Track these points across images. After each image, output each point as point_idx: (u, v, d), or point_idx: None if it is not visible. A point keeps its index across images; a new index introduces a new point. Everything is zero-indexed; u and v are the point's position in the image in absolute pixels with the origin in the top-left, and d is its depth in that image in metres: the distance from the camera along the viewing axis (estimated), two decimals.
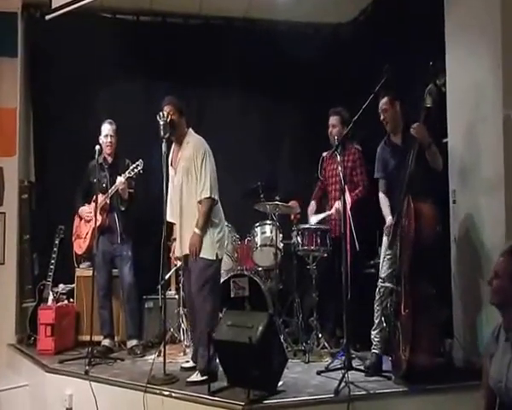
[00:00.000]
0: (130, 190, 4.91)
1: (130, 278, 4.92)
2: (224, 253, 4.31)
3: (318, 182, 5.23)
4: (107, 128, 4.98)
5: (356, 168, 4.90)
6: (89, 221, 4.96)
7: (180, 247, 4.09)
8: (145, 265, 5.11)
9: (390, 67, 3.85)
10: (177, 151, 4.16)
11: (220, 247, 4.05)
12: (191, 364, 4.15)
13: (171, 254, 4.56)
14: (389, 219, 4.13)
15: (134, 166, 4.83)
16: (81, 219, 5.08)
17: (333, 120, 4.99)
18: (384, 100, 4.12)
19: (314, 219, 4.98)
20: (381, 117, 4.18)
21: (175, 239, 4.22)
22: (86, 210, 5.00)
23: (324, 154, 5.12)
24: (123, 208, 4.94)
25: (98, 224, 4.80)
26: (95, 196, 4.74)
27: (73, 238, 5.14)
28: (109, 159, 5.03)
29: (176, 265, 5.04)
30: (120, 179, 4.82)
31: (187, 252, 4.02)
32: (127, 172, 4.82)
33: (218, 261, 4.07)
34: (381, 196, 4.26)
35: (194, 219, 3.98)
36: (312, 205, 5.17)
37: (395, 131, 4.20)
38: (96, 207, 4.70)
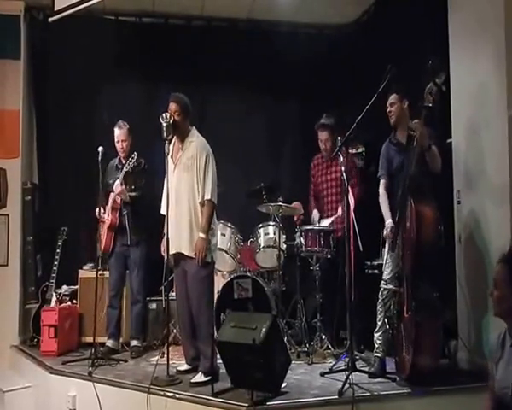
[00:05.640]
0: (132, 194, 4.88)
1: (139, 282, 4.95)
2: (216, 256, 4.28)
3: (310, 190, 5.24)
4: (116, 133, 5.01)
5: (351, 171, 4.89)
6: (104, 222, 4.97)
7: (175, 243, 4.00)
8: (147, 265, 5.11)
9: (393, 68, 3.84)
10: (179, 147, 4.13)
11: (214, 250, 4.10)
12: (186, 367, 4.15)
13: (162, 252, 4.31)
14: (389, 221, 4.08)
15: (129, 160, 4.85)
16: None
17: (323, 135, 5.03)
18: (393, 95, 4.12)
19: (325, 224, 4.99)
20: (388, 110, 4.15)
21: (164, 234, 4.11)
22: (100, 211, 5.01)
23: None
24: (125, 211, 4.93)
25: (108, 223, 4.87)
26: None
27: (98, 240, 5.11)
28: (124, 161, 5.03)
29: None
30: (117, 183, 4.84)
31: (180, 250, 4.01)
32: (124, 170, 4.83)
33: (213, 264, 4.11)
34: (382, 193, 4.22)
35: (189, 216, 3.97)
36: (315, 213, 5.17)
37: (401, 130, 4.18)
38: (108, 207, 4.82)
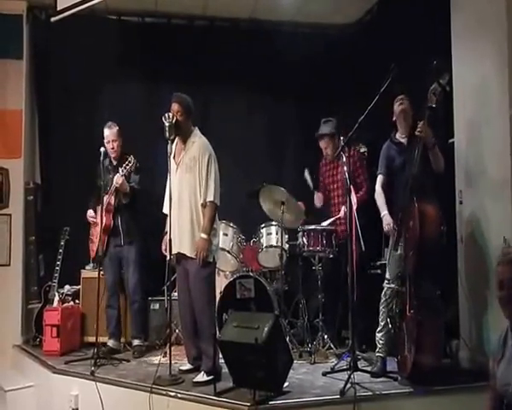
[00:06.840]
0: (131, 184, 4.88)
1: (135, 281, 4.95)
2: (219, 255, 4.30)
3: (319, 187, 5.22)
4: (106, 133, 4.98)
5: (357, 170, 4.89)
6: (96, 225, 4.97)
7: (177, 243, 4.01)
8: (150, 265, 5.12)
9: (395, 67, 3.84)
10: (181, 147, 4.14)
11: (216, 250, 4.10)
12: (189, 366, 4.16)
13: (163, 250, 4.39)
14: (385, 213, 4.12)
15: (125, 163, 4.83)
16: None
17: (322, 143, 5.03)
18: (402, 96, 4.13)
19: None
20: (400, 108, 4.14)
21: (166, 232, 4.10)
22: (90, 214, 5.00)
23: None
24: (125, 202, 4.91)
25: (103, 225, 4.83)
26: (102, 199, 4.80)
27: (90, 242, 5.12)
28: (114, 161, 5.03)
29: None
30: (117, 175, 4.81)
31: (182, 251, 4.01)
32: (121, 170, 4.81)
33: (214, 264, 4.12)
34: (378, 190, 4.24)
35: (191, 217, 3.97)
36: (320, 196, 5.12)
37: (402, 130, 4.18)
38: (101, 208, 4.76)
